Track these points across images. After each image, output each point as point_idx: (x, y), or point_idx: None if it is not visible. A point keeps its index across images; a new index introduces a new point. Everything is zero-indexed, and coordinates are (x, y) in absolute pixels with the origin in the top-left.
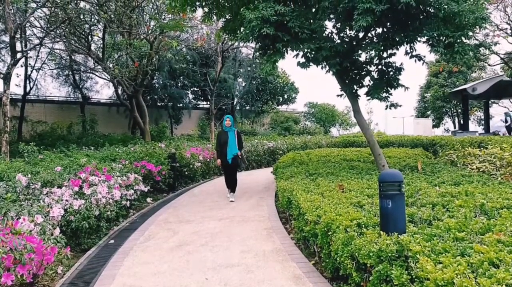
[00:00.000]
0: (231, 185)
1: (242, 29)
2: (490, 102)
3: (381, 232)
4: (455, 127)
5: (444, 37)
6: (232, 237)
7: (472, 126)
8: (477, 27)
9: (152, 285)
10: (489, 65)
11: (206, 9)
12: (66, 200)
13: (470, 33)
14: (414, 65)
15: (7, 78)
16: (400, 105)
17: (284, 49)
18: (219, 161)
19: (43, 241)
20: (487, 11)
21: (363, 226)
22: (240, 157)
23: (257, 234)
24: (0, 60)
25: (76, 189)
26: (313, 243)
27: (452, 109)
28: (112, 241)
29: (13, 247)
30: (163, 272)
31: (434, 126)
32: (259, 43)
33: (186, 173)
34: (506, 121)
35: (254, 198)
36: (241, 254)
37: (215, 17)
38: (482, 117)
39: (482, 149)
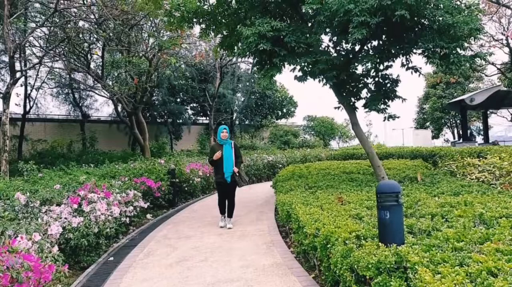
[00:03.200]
0: (228, 208)
1: (239, 45)
2: (488, 112)
3: (380, 244)
4: (454, 138)
5: (440, 49)
6: (232, 251)
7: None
8: (472, 38)
9: None
10: (486, 75)
11: (203, 26)
12: (65, 218)
13: (465, 44)
14: (412, 77)
15: (6, 97)
16: (398, 117)
17: (281, 63)
18: (219, 152)
19: (41, 259)
20: (482, 22)
21: (362, 237)
22: (238, 173)
23: (257, 248)
24: None
25: (75, 206)
26: (313, 256)
27: (451, 120)
28: (111, 258)
29: (10, 266)
30: None
31: (433, 137)
32: (256, 58)
33: (186, 188)
34: None
35: (254, 212)
36: (241, 268)
37: (212, 33)
38: (481, 127)
39: (481, 158)
